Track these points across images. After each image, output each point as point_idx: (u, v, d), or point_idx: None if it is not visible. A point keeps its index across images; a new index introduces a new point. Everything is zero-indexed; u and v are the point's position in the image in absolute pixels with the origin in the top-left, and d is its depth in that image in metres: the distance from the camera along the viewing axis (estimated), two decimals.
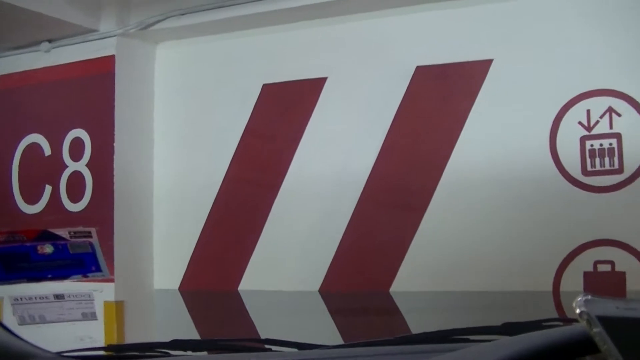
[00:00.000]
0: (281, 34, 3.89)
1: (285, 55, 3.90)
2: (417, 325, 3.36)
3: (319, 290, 3.67)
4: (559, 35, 3.31)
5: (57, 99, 4.25)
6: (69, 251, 1.85)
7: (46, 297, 2.04)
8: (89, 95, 4.12)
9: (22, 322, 2.00)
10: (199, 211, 4.00)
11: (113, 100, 4.01)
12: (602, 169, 3.20)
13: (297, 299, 3.71)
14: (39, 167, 4.24)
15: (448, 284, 3.39)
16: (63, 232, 1.87)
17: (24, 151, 4.30)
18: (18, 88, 4.39)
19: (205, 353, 1.85)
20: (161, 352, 1.77)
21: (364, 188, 3.59)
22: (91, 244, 1.89)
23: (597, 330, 0.81)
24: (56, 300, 2.05)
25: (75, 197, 4.08)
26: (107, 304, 3.94)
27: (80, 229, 1.93)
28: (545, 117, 3.28)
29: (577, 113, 3.25)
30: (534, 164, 3.27)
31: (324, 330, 3.58)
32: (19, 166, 4.31)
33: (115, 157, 3.98)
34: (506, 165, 3.31)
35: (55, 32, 4.14)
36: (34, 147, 4.26)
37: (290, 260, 3.76)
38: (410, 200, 3.50)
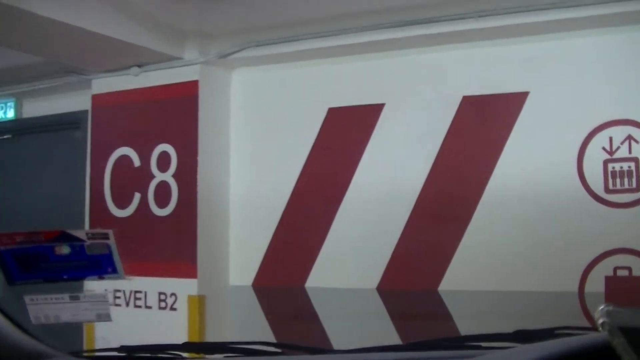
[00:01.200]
0: (345, 64, 4.67)
1: (348, 83, 4.68)
2: (460, 317, 4.15)
3: (377, 288, 4.45)
4: (586, 72, 4.05)
5: (145, 117, 5.08)
6: (86, 252, 1.94)
7: (61, 298, 1.98)
8: (175, 114, 4.94)
9: (37, 321, 1.92)
10: (270, 217, 4.80)
11: (197, 119, 4.83)
12: (622, 188, 3.95)
13: (357, 295, 4.48)
14: (129, 177, 5.08)
15: (488, 284, 4.14)
16: (81, 234, 1.93)
17: (115, 162, 5.15)
18: (111, 106, 5.24)
19: (216, 356, 1.95)
20: (173, 354, 1.84)
21: (417, 199, 4.35)
22: (108, 246, 1.97)
23: (619, 340, 0.84)
24: (71, 300, 1.99)
25: (162, 203, 4.91)
26: (190, 297, 4.78)
27: (98, 230, 1.99)
28: (574, 143, 4.04)
29: (601, 140, 4.00)
30: (563, 182, 4.02)
31: (380, 321, 4.36)
32: (111, 175, 5.16)
33: (198, 169, 4.80)
34: (538, 184, 4.06)
35: (144, 58, 4.97)
36: (125, 159, 5.10)
37: (352, 261, 4.54)
38: (456, 211, 4.26)
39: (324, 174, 4.68)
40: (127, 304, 5.02)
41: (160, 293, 4.89)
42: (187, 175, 4.83)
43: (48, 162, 6.08)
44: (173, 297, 4.84)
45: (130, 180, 5.07)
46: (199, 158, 4.81)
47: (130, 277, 2.07)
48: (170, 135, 4.94)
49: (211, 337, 4.74)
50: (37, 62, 5.48)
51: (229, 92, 5.10)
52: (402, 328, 4.32)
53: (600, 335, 0.94)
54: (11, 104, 6.23)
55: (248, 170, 4.99)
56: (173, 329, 4.75)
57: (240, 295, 4.91)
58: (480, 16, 4.07)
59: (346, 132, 4.64)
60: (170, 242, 4.89)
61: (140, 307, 4.99)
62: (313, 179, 4.71)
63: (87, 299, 2.06)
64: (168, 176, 4.90)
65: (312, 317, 4.62)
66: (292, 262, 4.74)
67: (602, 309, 0.90)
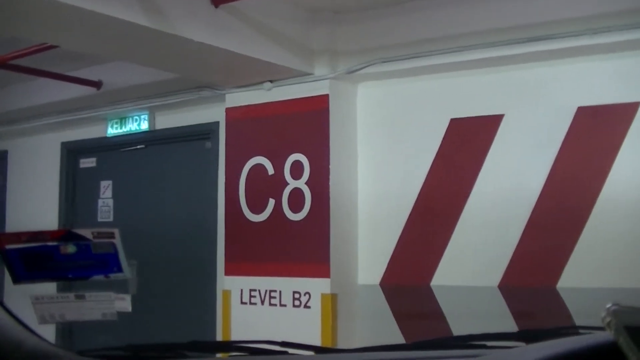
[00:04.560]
0: (466, 78, 5.61)
1: (469, 95, 5.63)
2: (578, 314, 5.05)
3: (498, 286, 5.42)
4: None
5: (278, 129, 6.15)
6: (92, 251, 2.05)
7: (67, 297, 2.11)
8: (307, 126, 5.99)
9: (43, 321, 2.04)
10: (397, 220, 5.80)
11: (328, 130, 5.88)
12: None
13: (479, 292, 5.45)
14: (263, 184, 6.15)
15: (605, 281, 5.02)
16: (86, 233, 2.03)
17: (250, 170, 6.26)
18: (244, 119, 6.34)
19: (222, 355, 2.06)
20: (180, 353, 1.94)
21: (536, 203, 5.24)
22: (114, 245, 2.09)
23: (625, 339, 0.93)
24: (77, 300, 2.12)
25: (295, 208, 5.99)
26: (324, 295, 5.83)
27: (104, 230, 2.10)
28: None
29: None
30: None
31: (502, 318, 5.32)
32: (246, 182, 6.28)
33: (330, 176, 5.86)
34: None
35: (276, 75, 6.03)
36: (259, 168, 6.20)
37: (474, 261, 5.49)
38: (573, 215, 5.17)
39: (447, 180, 5.66)
40: (262, 303, 6.11)
41: (294, 292, 5.97)
42: (320, 182, 5.86)
43: (179, 170, 7.17)
44: (307, 296, 5.86)
45: (264, 187, 6.13)
46: (331, 166, 5.87)
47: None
48: (302, 146, 5.99)
49: (343, 333, 5.71)
50: (170, 79, 6.63)
51: (355, 104, 6.13)
52: (522, 324, 5.26)
53: (607, 335, 0.99)
54: (145, 116, 7.33)
55: (375, 177, 6.00)
56: (307, 326, 5.77)
57: (369, 293, 5.92)
58: (594, 33, 5.01)
59: (467, 141, 5.62)
60: (304, 244, 5.90)
61: (275, 305, 6.04)
62: (437, 185, 5.69)
63: (92, 298, 2.16)
64: (301, 183, 5.96)
65: (437, 314, 5.61)
66: (418, 262, 5.72)
67: (608, 308, 0.97)
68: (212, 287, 6.72)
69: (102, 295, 2.22)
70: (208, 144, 6.94)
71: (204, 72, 6.17)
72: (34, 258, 2.01)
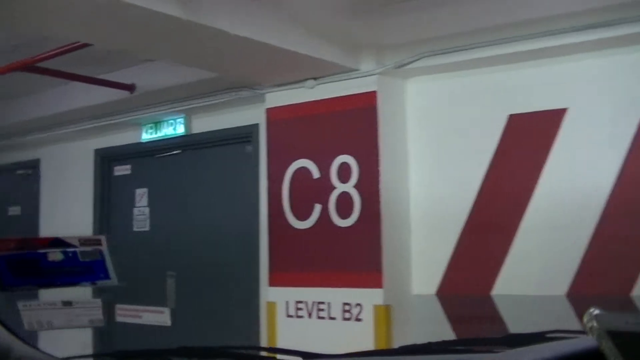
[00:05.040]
0: (523, 70, 5.28)
1: (528, 88, 5.29)
2: None
3: (566, 295, 5.09)
4: None
5: (323, 129, 5.86)
6: (79, 258, 2.11)
7: (54, 304, 2.14)
8: (354, 125, 5.70)
9: (30, 327, 2.06)
10: (453, 225, 5.49)
11: (377, 129, 5.58)
12: None
13: (545, 302, 5.13)
14: (308, 188, 5.88)
15: None
16: (73, 240, 2.09)
17: (294, 174, 5.98)
18: (286, 119, 6.06)
19: None
20: (167, 358, 1.97)
21: (606, 204, 4.91)
22: (101, 252, 2.15)
23: (607, 344, 0.93)
24: (64, 306, 2.14)
25: (344, 214, 5.70)
26: (377, 307, 5.52)
27: (91, 236, 2.15)
28: None
29: None
30: None
31: (570, 326, 4.99)
32: (290, 187, 6.01)
33: (381, 179, 5.57)
34: None
35: (319, 71, 5.76)
36: (303, 171, 5.92)
37: (540, 268, 5.16)
38: None
39: (507, 181, 5.33)
40: (310, 315, 5.83)
41: (344, 304, 5.67)
42: (369, 185, 5.57)
43: (218, 176, 6.97)
44: (358, 308, 5.56)
45: (310, 191, 5.86)
46: (381, 168, 5.57)
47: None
48: (349, 147, 5.70)
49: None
50: (207, 79, 6.35)
51: (404, 101, 5.84)
52: None
53: (590, 339, 1.02)
54: (181, 120, 7.14)
55: (428, 178, 5.68)
56: (358, 339, 5.45)
57: (425, 304, 5.62)
58: None
59: (528, 139, 5.28)
60: (354, 252, 5.62)
61: (323, 318, 5.75)
62: (497, 185, 5.37)
63: (80, 304, 2.17)
64: (349, 187, 5.67)
65: (499, 325, 5.30)
66: (477, 270, 5.40)
67: (590, 312, 1.01)
68: (255, 299, 6.50)
69: (90, 302, 2.22)
70: (248, 148, 6.74)
71: (242, 70, 5.90)
72: (22, 265, 2.03)
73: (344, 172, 5.70)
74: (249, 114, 6.63)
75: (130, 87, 7.00)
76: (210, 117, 6.98)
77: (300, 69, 5.76)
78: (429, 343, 1.95)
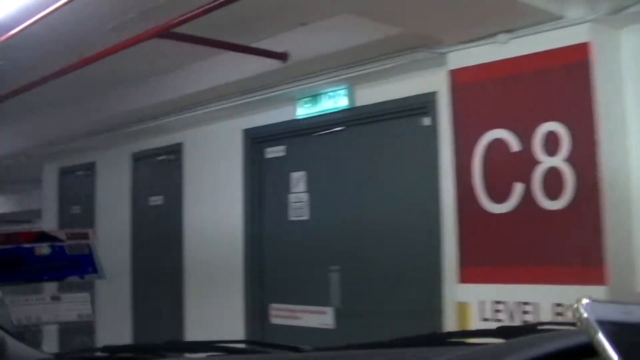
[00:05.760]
0: None
1: None
2: None
3: None
4: None
5: (522, 92, 4.94)
6: (67, 253, 2.17)
7: (43, 299, 2.23)
8: (561, 86, 4.77)
9: (19, 323, 2.14)
10: None
11: (592, 90, 4.64)
12: None
13: None
14: (506, 164, 4.97)
15: None
16: (60, 234, 2.17)
17: (487, 148, 5.10)
18: (475, 83, 5.17)
19: (201, 355, 2.07)
20: (157, 353, 2.00)
21: None
22: (88, 246, 2.21)
23: (597, 334, 0.92)
24: (52, 301, 2.26)
25: (553, 194, 4.79)
26: None
27: (77, 230, 2.23)
28: None
29: None
30: None
31: None
32: (483, 164, 5.13)
33: (599, 150, 4.63)
34: None
35: (512, 21, 4.90)
36: (499, 144, 5.02)
37: None
38: None
39: None
40: (512, 318, 4.95)
41: (555, 304, 4.77)
42: (585, 158, 4.63)
43: (388, 155, 6.29)
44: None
45: (507, 168, 4.96)
46: (599, 136, 4.64)
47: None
48: (556, 112, 4.77)
49: None
50: (372, 41, 5.65)
51: (619, 55, 4.90)
52: None
53: (580, 330, 0.99)
54: (343, 91, 6.45)
55: None
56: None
57: None
58: None
59: None
60: (567, 242, 4.70)
61: (529, 321, 4.91)
62: None
63: (68, 299, 2.27)
64: (559, 161, 4.75)
65: None
66: None
67: (580, 303, 0.96)
68: (436, 299, 5.75)
69: (78, 297, 2.30)
70: (424, 120, 5.99)
71: (422, 24, 5.17)
72: (8, 260, 2.08)
73: (551, 143, 4.81)
74: (425, 81, 5.88)
75: (282, 56, 6.30)
76: (377, 87, 6.24)
77: (491, 20, 4.96)
78: (420, 335, 1.95)
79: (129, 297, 8.74)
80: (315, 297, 6.72)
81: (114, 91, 7.87)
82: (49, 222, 10.70)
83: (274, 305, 7.06)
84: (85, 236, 2.25)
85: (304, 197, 6.93)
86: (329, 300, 6.58)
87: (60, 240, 2.18)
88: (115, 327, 8.70)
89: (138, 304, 8.65)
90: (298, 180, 6.98)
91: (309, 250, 6.82)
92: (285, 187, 7.09)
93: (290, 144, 7.15)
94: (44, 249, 2.15)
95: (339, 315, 6.47)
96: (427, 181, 5.83)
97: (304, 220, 6.90)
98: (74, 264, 2.20)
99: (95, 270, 2.24)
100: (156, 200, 8.52)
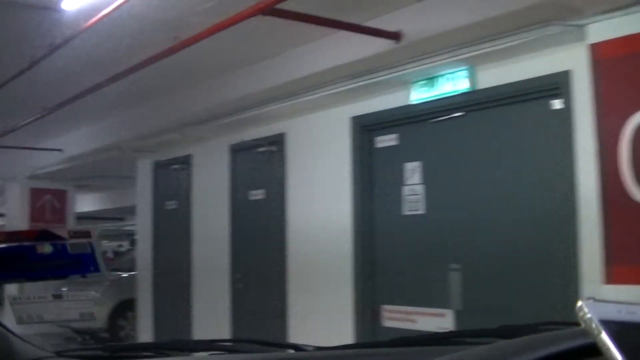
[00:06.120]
0: None
1: None
2: None
3: None
4: None
5: None
6: (69, 251, 2.16)
7: (44, 297, 2.22)
8: None
9: (20, 321, 2.13)
10: None
11: None
12: None
13: None
14: None
15: None
16: (63, 232, 2.16)
17: (635, 130, 4.60)
18: (621, 57, 4.67)
19: (203, 354, 2.11)
20: (160, 352, 2.02)
21: None
22: (90, 244, 2.18)
23: (600, 334, 0.94)
24: (55, 299, 2.24)
25: None
26: None
27: (80, 228, 2.25)
28: None
29: None
30: None
31: None
32: (631, 148, 4.62)
33: None
34: None
35: None
36: None
37: None
38: None
39: None
40: None
41: None
42: None
43: (514, 142, 5.94)
44: None
45: None
46: None
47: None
48: None
49: None
50: (496, 16, 5.25)
51: None
52: None
53: (583, 330, 0.98)
54: (463, 72, 6.12)
55: None
56: None
57: None
58: None
59: None
60: None
61: None
62: None
63: (70, 298, 2.29)
64: None
65: None
66: None
67: (583, 302, 0.97)
68: (573, 301, 5.14)
69: (80, 295, 2.33)
70: (556, 103, 5.53)
71: None
72: (10, 258, 2.10)
73: None
74: (557, 58, 5.45)
75: (395, 36, 5.93)
76: (502, 67, 5.86)
77: None
78: (420, 335, 2.13)
79: (228, 296, 8.55)
80: (432, 298, 6.41)
81: (211, 79, 7.71)
82: (143, 219, 10.60)
83: (387, 306, 6.78)
84: (87, 234, 2.22)
85: (420, 189, 6.65)
86: (448, 302, 6.26)
87: (63, 239, 2.17)
88: (214, 325, 8.61)
89: (238, 302, 8.47)
90: (413, 171, 6.71)
91: (426, 247, 6.53)
92: (398, 179, 6.82)
93: (403, 132, 6.87)
94: (45, 247, 2.14)
95: (459, 318, 6.13)
96: (558, 170, 5.44)
97: (419, 215, 6.62)
98: (76, 263, 2.20)
99: (97, 269, 2.23)
100: (257, 194, 8.34)
